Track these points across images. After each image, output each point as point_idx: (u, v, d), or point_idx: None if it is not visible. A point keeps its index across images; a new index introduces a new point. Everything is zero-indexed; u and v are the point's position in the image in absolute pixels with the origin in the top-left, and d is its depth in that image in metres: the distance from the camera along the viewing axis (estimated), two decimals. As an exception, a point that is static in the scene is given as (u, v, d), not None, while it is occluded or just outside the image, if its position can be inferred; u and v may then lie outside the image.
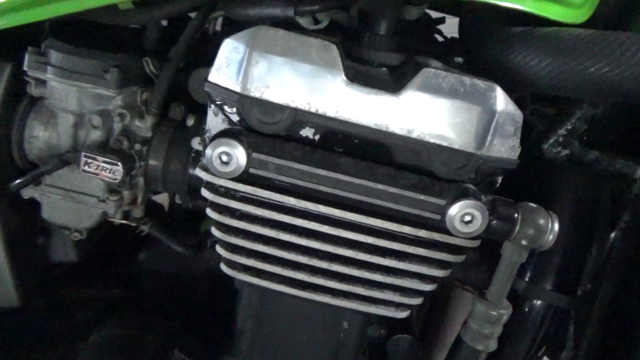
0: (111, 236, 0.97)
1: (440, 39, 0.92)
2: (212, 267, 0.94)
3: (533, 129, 0.58)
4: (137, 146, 0.70)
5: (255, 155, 0.55)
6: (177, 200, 0.77)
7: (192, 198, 0.75)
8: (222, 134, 0.55)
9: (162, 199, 1.04)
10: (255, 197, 0.59)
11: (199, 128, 0.69)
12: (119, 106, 0.69)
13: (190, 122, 0.72)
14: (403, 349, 0.75)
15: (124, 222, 0.78)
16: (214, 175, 0.58)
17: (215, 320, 0.86)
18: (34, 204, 0.74)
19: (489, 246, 0.65)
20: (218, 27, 1.01)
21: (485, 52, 0.58)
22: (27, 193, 0.72)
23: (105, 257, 0.95)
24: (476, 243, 0.59)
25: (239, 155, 0.54)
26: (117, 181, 0.67)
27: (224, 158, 0.55)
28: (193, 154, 0.70)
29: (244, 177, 0.57)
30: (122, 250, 0.97)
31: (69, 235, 0.84)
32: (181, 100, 0.75)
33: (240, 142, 0.54)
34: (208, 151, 0.55)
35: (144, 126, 0.71)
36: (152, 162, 0.71)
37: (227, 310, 0.80)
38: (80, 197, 0.72)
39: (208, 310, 0.90)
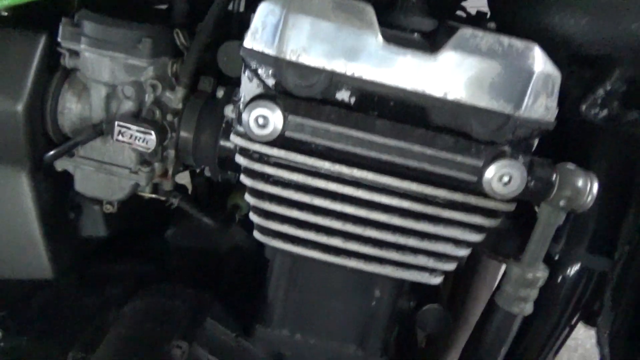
0: (138, 214, 0.99)
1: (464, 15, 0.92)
2: (239, 242, 0.95)
3: (570, 90, 0.57)
4: (169, 117, 0.71)
5: (291, 117, 0.55)
6: (207, 173, 0.78)
7: (222, 170, 0.76)
8: (259, 97, 0.55)
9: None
10: (289, 162, 0.59)
11: (230, 100, 0.70)
12: (150, 77, 0.70)
13: (220, 94, 0.73)
14: (432, 319, 0.75)
15: (154, 195, 0.79)
16: (249, 140, 0.58)
17: (243, 295, 0.86)
18: (66, 178, 0.75)
19: (521, 216, 0.65)
20: (242, 9, 1.02)
21: (520, 14, 0.57)
22: (61, 165, 0.73)
23: (133, 235, 0.96)
24: (511, 207, 0.59)
25: (276, 117, 0.55)
26: (150, 151, 0.68)
27: (261, 121, 0.55)
28: (224, 125, 0.71)
29: (279, 141, 0.57)
30: (149, 228, 0.99)
31: (99, 210, 0.85)
32: (209, 74, 0.76)
33: (277, 104, 0.54)
34: (244, 115, 0.55)
35: (174, 98, 0.71)
36: (183, 133, 0.72)
37: (253, 286, 0.81)
38: (113, 168, 0.73)
39: (235, 286, 0.91)
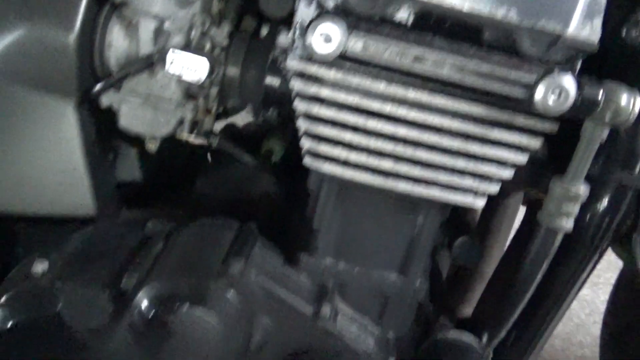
0: (169, 164, 1.01)
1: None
2: (270, 191, 0.97)
3: (611, 13, 0.61)
4: (216, 52, 0.73)
5: (355, 33, 0.58)
6: (247, 111, 0.79)
7: (265, 109, 0.78)
8: (324, 14, 0.57)
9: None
10: (346, 84, 0.62)
11: (274, 38, 0.72)
12: (199, 11, 0.72)
13: (264, 32, 0.75)
14: (465, 251, 0.78)
15: (192, 136, 0.81)
16: (307, 62, 0.61)
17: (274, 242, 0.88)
18: (108, 118, 0.77)
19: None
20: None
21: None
22: (107, 99, 0.74)
23: (166, 185, 0.98)
24: (555, 127, 0.62)
25: (340, 34, 0.57)
26: (200, 82, 0.70)
27: (324, 38, 0.57)
28: (270, 62, 0.73)
29: (338, 62, 0.60)
30: (180, 179, 1.00)
31: (136, 155, 0.87)
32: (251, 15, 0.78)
33: (342, 20, 0.57)
34: (309, 33, 0.57)
35: (221, 33, 0.73)
36: (230, 69, 0.74)
37: (283, 233, 0.83)
38: (159, 103, 0.74)
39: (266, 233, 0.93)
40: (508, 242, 0.91)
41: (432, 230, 0.72)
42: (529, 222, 0.69)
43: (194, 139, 0.80)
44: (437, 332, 0.76)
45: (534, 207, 0.78)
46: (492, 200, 0.79)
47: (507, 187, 0.70)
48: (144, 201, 0.93)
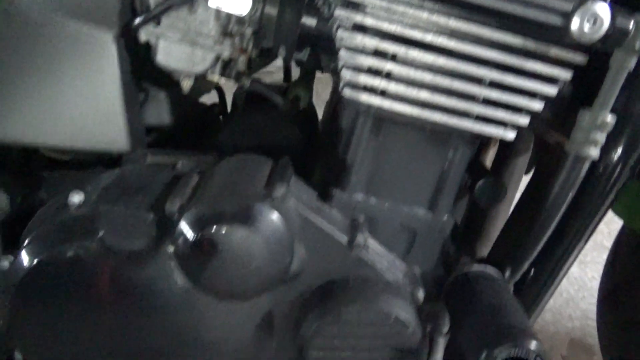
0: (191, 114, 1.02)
1: None
2: (292, 142, 0.99)
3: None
4: (255, -10, 0.75)
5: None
6: (280, 53, 0.81)
7: (299, 50, 0.80)
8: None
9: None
10: (389, 13, 0.64)
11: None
12: (239, -52, 0.73)
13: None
14: (489, 191, 0.81)
15: (224, 78, 0.82)
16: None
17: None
18: (144, 56, 0.77)
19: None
20: None
21: None
22: (146, 34, 0.75)
23: (189, 133, 0.99)
24: (585, 59, 0.66)
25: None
26: (242, 15, 0.72)
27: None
28: (307, 1, 0.75)
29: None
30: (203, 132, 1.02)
31: (165, 98, 0.88)
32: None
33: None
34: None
35: (259, -28, 0.75)
36: (268, 7, 0.75)
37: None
38: (197, 38, 0.75)
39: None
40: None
41: (461, 165, 0.75)
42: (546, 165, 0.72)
43: (225, 80, 0.82)
44: (462, 268, 0.79)
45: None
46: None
47: (532, 127, 0.73)
48: (167, 148, 0.94)
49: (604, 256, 2.16)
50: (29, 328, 0.75)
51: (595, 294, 1.38)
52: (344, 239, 0.72)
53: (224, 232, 0.63)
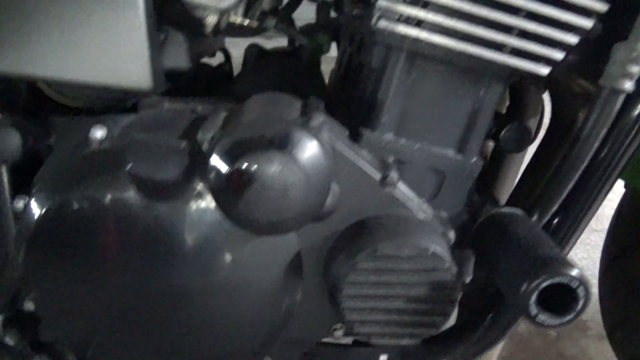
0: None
1: None
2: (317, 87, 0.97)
3: None
4: None
5: None
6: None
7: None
8: None
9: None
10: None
11: None
12: None
13: None
14: (515, 136, 0.81)
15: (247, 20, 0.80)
16: None
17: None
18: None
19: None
20: None
21: None
22: (172, -34, 0.72)
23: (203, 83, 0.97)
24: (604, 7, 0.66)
25: None
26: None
27: None
28: None
29: None
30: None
31: (184, 40, 0.85)
32: None
33: None
34: None
35: None
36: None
37: None
38: (225, -28, 0.73)
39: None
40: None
41: (491, 106, 0.75)
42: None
43: (247, 22, 0.80)
44: (489, 211, 0.78)
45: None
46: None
47: (560, 70, 0.74)
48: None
49: (592, 237, 2.21)
50: (45, 275, 0.72)
51: (586, 273, 1.40)
52: (377, 175, 0.71)
53: (263, 158, 0.61)
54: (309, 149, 0.63)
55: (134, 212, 0.66)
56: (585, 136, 0.71)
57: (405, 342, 0.71)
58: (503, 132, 0.81)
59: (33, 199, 0.71)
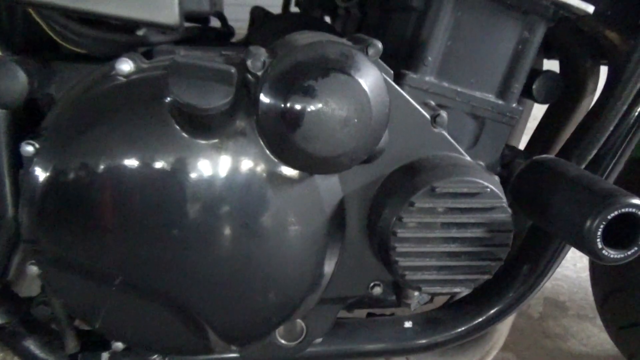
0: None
1: None
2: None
3: None
4: None
5: None
6: None
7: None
8: None
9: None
10: None
11: None
12: None
13: None
14: (548, 86, 0.81)
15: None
16: None
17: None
18: None
19: None
20: None
21: None
22: None
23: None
24: None
25: None
26: None
27: None
28: None
29: None
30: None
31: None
32: None
33: None
34: None
35: None
36: None
37: None
38: None
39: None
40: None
41: (533, 50, 0.73)
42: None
43: None
44: (528, 159, 0.77)
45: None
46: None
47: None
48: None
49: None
50: (60, 234, 0.63)
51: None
52: (427, 113, 0.67)
53: (326, 80, 0.56)
54: (371, 75, 0.58)
55: (173, 150, 0.60)
56: (627, 76, 0.71)
57: (457, 289, 0.68)
58: (536, 81, 0.80)
59: (44, 147, 0.63)
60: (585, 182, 0.66)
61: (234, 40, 1.08)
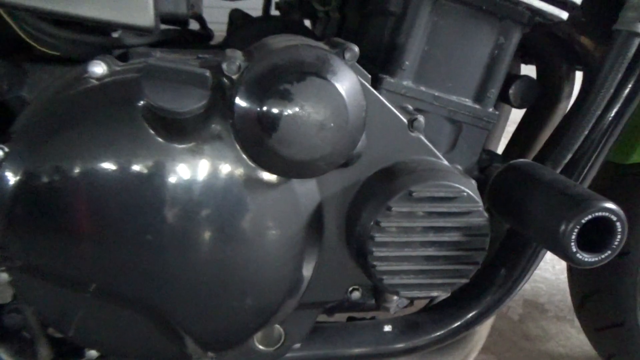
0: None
1: None
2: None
3: None
4: None
5: None
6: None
7: None
8: None
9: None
10: None
11: None
12: None
13: None
14: (524, 90, 0.82)
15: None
16: None
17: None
18: None
19: None
20: None
21: None
22: None
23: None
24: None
25: None
26: None
27: None
28: None
29: None
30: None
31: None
32: None
33: None
34: None
35: None
36: None
37: None
38: None
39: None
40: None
41: (510, 53, 0.74)
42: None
43: None
44: (505, 163, 0.77)
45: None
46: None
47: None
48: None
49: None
50: (32, 241, 0.62)
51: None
52: (404, 117, 0.68)
53: (302, 84, 0.56)
54: (348, 79, 0.58)
55: (146, 154, 0.59)
56: (600, 81, 0.72)
57: (435, 293, 0.68)
58: (512, 86, 0.81)
59: (14, 150, 0.61)
60: (560, 186, 0.67)
61: (213, 43, 1.07)
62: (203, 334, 0.69)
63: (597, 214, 0.61)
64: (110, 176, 0.58)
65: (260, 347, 0.76)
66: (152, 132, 0.59)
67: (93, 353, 0.73)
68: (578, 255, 0.62)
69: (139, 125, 0.58)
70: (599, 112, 0.73)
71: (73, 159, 0.58)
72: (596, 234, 0.64)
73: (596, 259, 0.63)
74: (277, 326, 0.76)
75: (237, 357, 0.76)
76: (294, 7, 1.24)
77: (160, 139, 0.59)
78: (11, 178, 0.60)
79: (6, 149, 0.62)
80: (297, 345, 0.79)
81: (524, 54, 1.02)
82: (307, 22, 1.29)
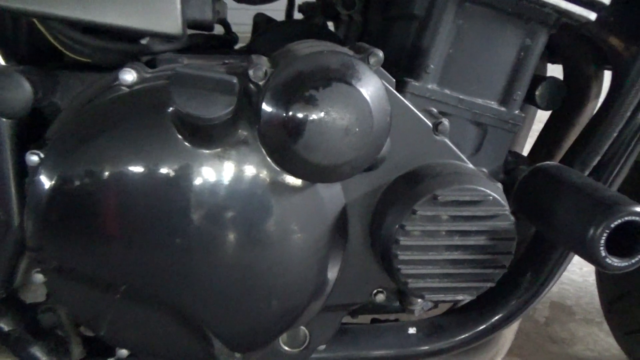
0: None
1: None
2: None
3: None
4: None
5: None
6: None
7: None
8: None
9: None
10: None
11: None
12: None
13: None
14: (551, 92, 0.81)
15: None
16: None
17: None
18: None
19: None
20: None
21: None
22: None
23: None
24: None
25: None
26: None
27: None
28: None
29: None
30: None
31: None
32: None
33: None
34: None
35: None
36: None
37: None
38: None
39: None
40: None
41: (534, 57, 0.73)
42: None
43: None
44: (531, 165, 0.77)
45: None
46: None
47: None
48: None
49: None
50: (64, 242, 0.64)
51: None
52: (429, 121, 0.68)
53: (327, 90, 0.56)
54: (373, 84, 0.59)
55: (175, 159, 0.60)
56: (630, 82, 0.71)
57: (460, 297, 0.68)
58: (538, 88, 0.80)
59: (49, 156, 0.63)
60: (589, 189, 0.66)
61: (237, 46, 1.08)
62: (230, 335, 0.70)
63: (627, 218, 0.60)
64: (141, 181, 0.60)
65: (286, 348, 0.77)
66: (180, 137, 0.60)
67: (124, 352, 0.75)
68: (607, 260, 0.61)
69: (168, 132, 0.60)
70: (628, 114, 0.72)
71: (105, 164, 0.60)
72: (626, 238, 0.63)
73: (626, 263, 0.62)
74: (303, 328, 0.77)
75: (263, 358, 0.77)
76: (317, 10, 1.24)
77: (188, 145, 0.60)
78: (46, 183, 0.62)
79: (42, 155, 0.64)
80: (322, 347, 0.80)
81: (550, 54, 1.01)
82: (330, 25, 1.29)
